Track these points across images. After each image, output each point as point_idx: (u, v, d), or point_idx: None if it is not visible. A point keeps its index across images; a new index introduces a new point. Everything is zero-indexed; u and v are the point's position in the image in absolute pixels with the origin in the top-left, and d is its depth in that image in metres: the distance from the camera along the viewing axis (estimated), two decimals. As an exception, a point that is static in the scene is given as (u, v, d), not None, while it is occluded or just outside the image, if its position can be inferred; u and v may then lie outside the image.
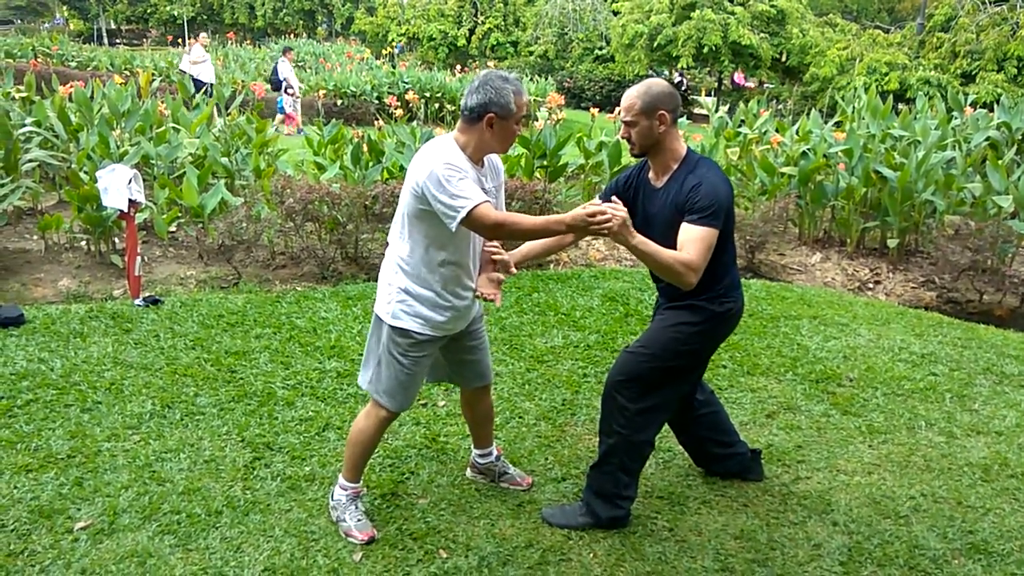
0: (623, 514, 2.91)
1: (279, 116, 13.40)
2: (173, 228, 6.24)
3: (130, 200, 4.93)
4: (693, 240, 2.53)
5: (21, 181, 6.32)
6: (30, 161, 6.68)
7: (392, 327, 2.64)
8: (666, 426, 3.62)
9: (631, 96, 2.67)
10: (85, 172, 6.12)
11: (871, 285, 6.68)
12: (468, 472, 3.23)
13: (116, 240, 6.03)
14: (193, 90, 12.13)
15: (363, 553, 2.70)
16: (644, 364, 2.80)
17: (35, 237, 6.16)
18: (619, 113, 2.77)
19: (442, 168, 2.43)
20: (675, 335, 2.78)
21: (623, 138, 2.73)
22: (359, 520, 2.80)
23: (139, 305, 4.94)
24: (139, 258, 5.12)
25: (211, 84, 13.53)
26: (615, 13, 26.13)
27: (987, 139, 8.80)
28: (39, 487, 3.00)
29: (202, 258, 6.12)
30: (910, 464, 3.47)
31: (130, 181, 4.91)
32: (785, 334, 4.98)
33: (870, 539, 2.92)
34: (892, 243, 6.88)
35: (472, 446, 3.21)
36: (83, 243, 6.05)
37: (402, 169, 6.63)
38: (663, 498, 3.13)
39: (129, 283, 5.16)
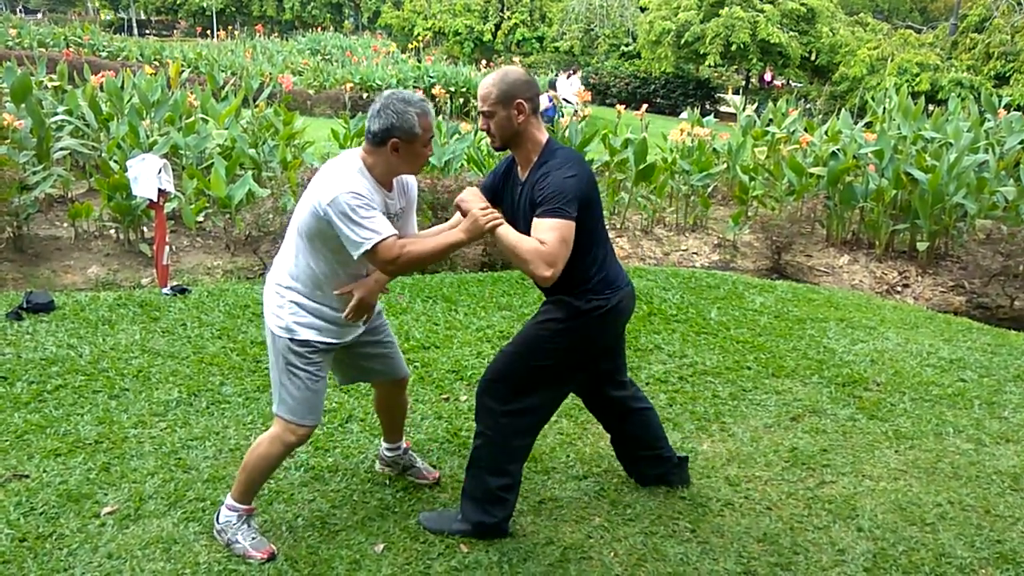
0: (493, 522, 2.75)
1: None
2: (201, 218, 6.31)
3: (159, 190, 4.98)
4: (542, 233, 2.36)
5: (52, 169, 6.42)
6: (61, 149, 6.78)
7: (289, 339, 2.52)
8: (678, 429, 3.60)
9: (486, 85, 2.50)
10: (115, 161, 6.20)
11: (899, 288, 6.59)
12: (376, 466, 3.19)
13: (145, 229, 6.11)
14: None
15: (385, 545, 2.71)
16: (513, 362, 2.70)
17: (65, 224, 6.25)
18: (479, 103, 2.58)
19: (348, 197, 2.31)
20: (542, 331, 2.66)
21: (482, 130, 2.56)
22: (254, 539, 2.63)
23: (167, 294, 5.00)
24: (167, 247, 5.18)
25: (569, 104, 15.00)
26: (642, 9, 26.01)
27: (1021, 142, 8.63)
28: (67, 471, 3.04)
29: (229, 248, 6.18)
30: (937, 471, 3.42)
31: (160, 171, 4.96)
32: (811, 336, 4.92)
33: (895, 546, 2.88)
34: (922, 246, 6.79)
35: (382, 440, 3.17)
36: (112, 231, 6.13)
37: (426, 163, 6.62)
38: (685, 499, 3.11)
39: (157, 272, 5.22)
